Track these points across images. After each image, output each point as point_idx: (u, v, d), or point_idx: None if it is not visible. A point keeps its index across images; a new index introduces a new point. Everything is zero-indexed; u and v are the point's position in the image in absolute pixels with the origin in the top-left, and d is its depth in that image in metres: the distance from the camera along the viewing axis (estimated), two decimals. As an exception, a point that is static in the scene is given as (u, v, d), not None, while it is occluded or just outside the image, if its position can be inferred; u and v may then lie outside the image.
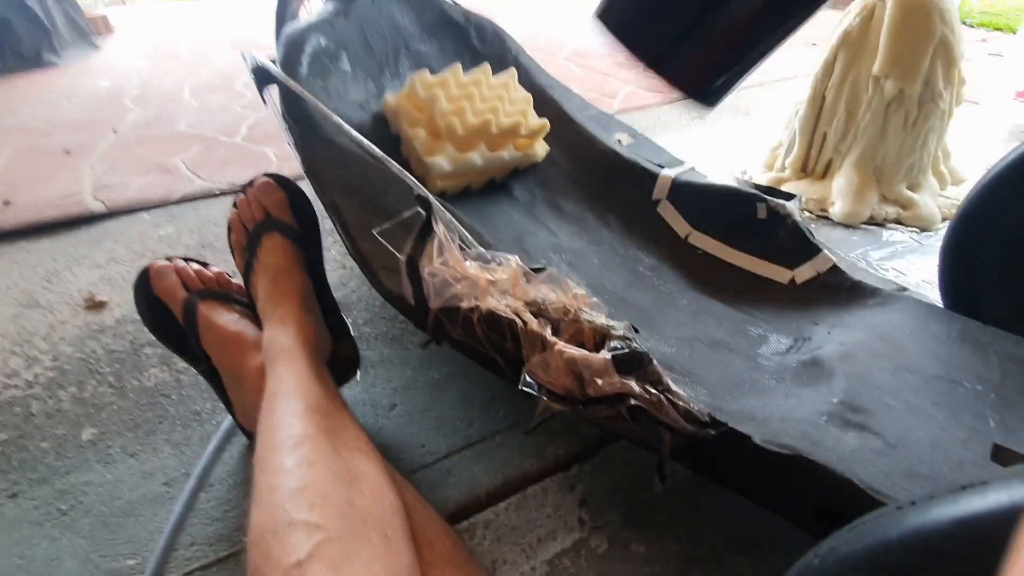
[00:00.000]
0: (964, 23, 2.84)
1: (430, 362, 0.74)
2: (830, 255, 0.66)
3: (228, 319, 0.58)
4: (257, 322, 0.58)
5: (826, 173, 1.08)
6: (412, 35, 0.80)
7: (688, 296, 0.68)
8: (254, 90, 0.69)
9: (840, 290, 0.64)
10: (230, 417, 0.63)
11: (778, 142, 1.16)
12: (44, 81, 1.92)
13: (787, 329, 0.62)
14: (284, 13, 0.89)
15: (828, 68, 1.04)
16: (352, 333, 0.75)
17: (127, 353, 0.75)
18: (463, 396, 0.69)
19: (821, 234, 1.02)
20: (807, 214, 1.07)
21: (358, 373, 0.69)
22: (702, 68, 0.23)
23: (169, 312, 0.60)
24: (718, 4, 0.23)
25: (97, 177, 1.22)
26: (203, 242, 1.00)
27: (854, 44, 1.00)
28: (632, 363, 0.43)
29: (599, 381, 0.42)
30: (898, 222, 1.03)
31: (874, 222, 1.03)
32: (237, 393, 0.58)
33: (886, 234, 1.00)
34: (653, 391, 0.43)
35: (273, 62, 0.68)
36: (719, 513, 0.56)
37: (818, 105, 1.06)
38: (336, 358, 0.60)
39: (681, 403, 0.43)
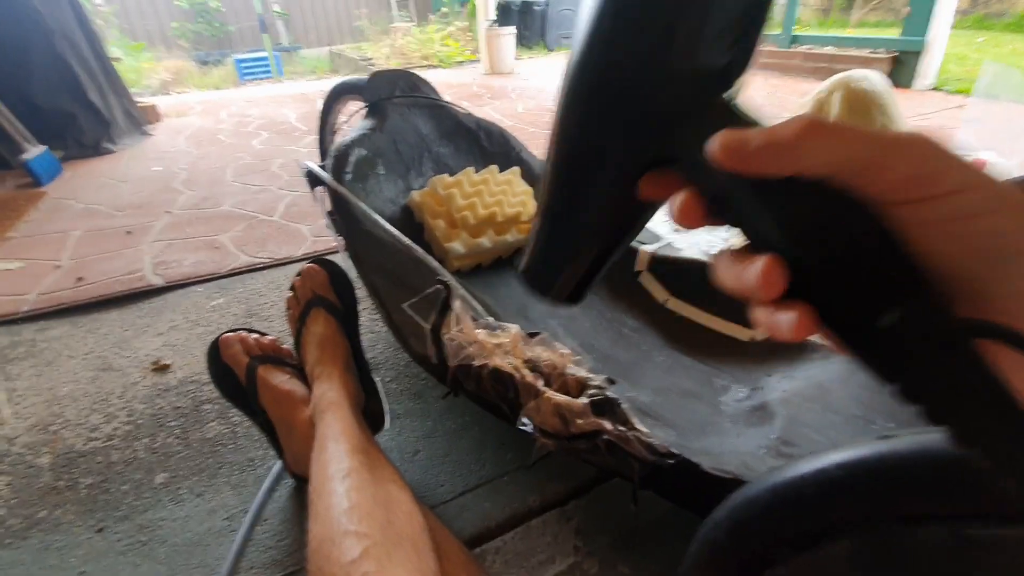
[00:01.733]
0: (941, 90, 3.05)
1: (448, 414, 0.86)
2: (782, 317, 0.78)
3: (282, 379, 0.71)
4: (305, 382, 0.72)
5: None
6: (433, 140, 0.98)
7: (664, 353, 0.80)
8: (289, 172, 0.86)
9: (791, 347, 0.76)
10: (280, 462, 0.75)
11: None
12: (104, 167, 2.16)
13: (746, 380, 0.73)
14: (326, 121, 1.08)
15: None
16: (381, 390, 0.88)
17: (190, 409, 0.88)
18: (477, 443, 0.80)
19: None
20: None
21: (386, 423, 0.81)
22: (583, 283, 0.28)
23: (234, 375, 0.73)
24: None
25: (155, 254, 1.40)
26: (249, 311, 1.15)
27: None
28: (605, 407, 0.55)
29: (579, 421, 0.54)
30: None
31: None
32: (288, 442, 0.70)
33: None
34: (623, 428, 0.55)
35: (322, 167, 0.85)
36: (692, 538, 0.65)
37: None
38: (367, 412, 0.72)
39: (645, 438, 0.54)
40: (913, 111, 2.55)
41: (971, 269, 0.17)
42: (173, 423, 0.86)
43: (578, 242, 0.27)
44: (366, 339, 1.03)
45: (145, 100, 2.98)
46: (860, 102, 1.10)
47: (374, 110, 0.93)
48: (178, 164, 2.15)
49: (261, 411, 0.71)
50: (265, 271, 1.30)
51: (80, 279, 1.29)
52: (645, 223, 0.27)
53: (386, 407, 0.85)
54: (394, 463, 0.78)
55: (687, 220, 0.23)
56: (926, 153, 0.17)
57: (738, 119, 0.21)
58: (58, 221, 1.65)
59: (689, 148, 0.22)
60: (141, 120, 2.67)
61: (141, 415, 0.88)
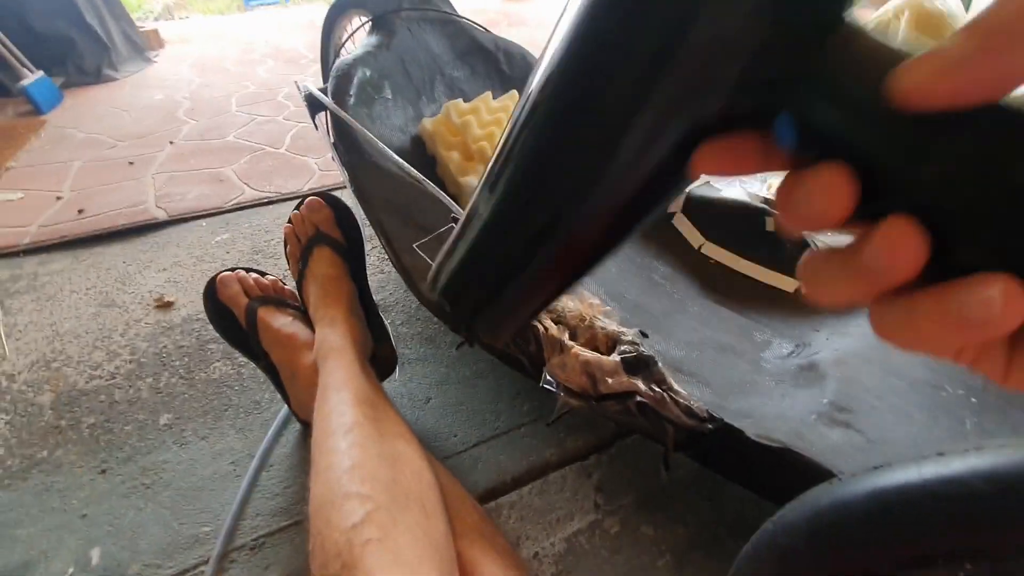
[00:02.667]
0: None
1: (462, 360, 0.81)
2: (833, 266, 0.70)
3: (284, 322, 0.66)
4: (309, 324, 0.67)
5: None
6: (446, 62, 0.87)
7: (699, 303, 0.73)
8: (296, 102, 0.78)
9: (842, 299, 0.68)
10: (286, 407, 0.71)
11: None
12: (105, 95, 2.07)
13: (790, 335, 0.67)
14: (329, 40, 0.97)
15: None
16: (390, 334, 0.83)
17: (194, 349, 0.85)
18: (492, 392, 0.76)
19: (837, 239, 1.05)
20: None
21: (396, 370, 0.77)
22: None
23: (233, 316, 0.68)
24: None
25: (158, 187, 1.34)
26: (255, 248, 1.09)
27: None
28: (639, 365, 0.49)
29: (610, 380, 0.49)
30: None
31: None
32: (293, 387, 0.66)
33: (901, 243, 1.03)
34: (657, 389, 0.49)
35: (322, 90, 0.76)
36: (722, 502, 0.61)
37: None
38: (376, 357, 0.68)
39: (682, 400, 0.49)
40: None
41: None
42: (177, 363, 0.82)
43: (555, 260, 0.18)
44: (375, 280, 0.98)
45: (147, 25, 2.83)
46: (931, 25, 0.96)
47: (380, 24, 0.83)
48: (181, 93, 2.05)
49: (263, 354, 0.67)
50: (271, 206, 1.24)
51: (82, 211, 1.24)
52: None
53: (396, 352, 0.81)
54: (404, 412, 0.74)
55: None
56: None
57: (874, 44, 0.14)
58: (59, 151, 1.58)
59: (801, 93, 0.14)
60: (143, 46, 2.54)
61: (144, 353, 0.85)
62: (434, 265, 0.19)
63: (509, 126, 0.18)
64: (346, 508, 0.43)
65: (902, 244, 0.13)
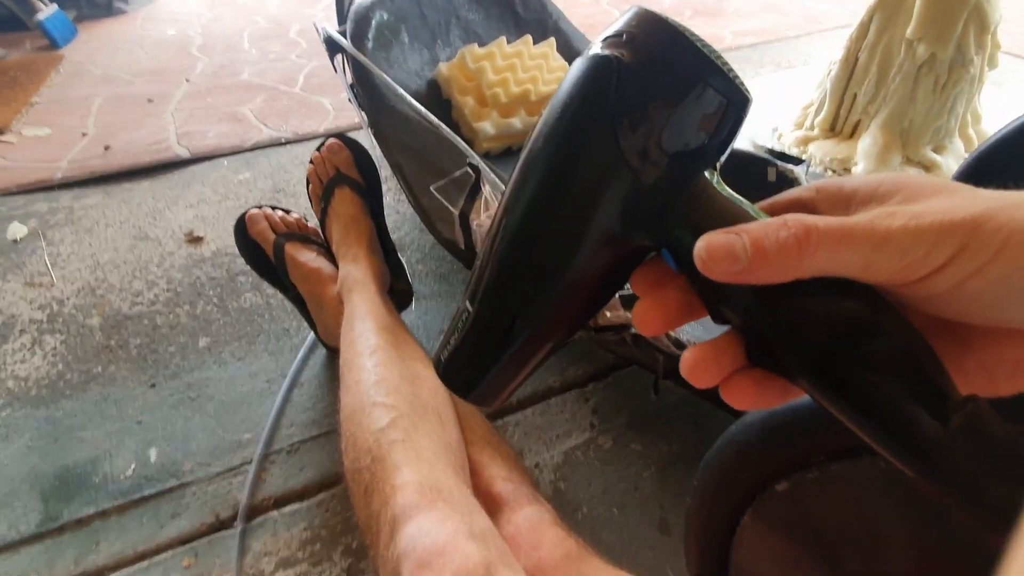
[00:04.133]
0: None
1: (472, 297, 0.87)
2: (827, 216, 0.74)
3: (309, 257, 0.72)
4: (332, 259, 0.72)
5: (853, 133, 1.12)
6: (461, 4, 0.88)
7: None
8: (308, 38, 0.80)
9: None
10: (312, 334, 0.78)
11: (810, 101, 1.20)
12: (118, 29, 2.06)
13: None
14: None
15: (863, 29, 1.06)
16: (407, 271, 0.89)
17: (225, 280, 0.91)
18: (499, 326, 0.82)
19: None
20: (830, 173, 1.12)
21: (412, 304, 0.83)
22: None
23: (262, 251, 0.74)
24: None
25: (179, 125, 1.37)
26: (276, 187, 1.14)
27: (890, 6, 1.02)
28: (635, 300, 0.55)
29: (608, 314, 0.54)
30: (917, 184, 1.07)
31: (893, 183, 1.08)
32: (319, 316, 0.73)
33: (903, 195, 1.05)
34: (649, 323, 0.54)
35: (341, 33, 0.79)
36: (707, 425, 0.68)
37: (851, 65, 1.09)
38: (393, 292, 0.74)
39: (672, 333, 0.54)
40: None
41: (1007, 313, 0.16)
42: (210, 292, 0.89)
43: (525, 342, 0.22)
44: (391, 220, 1.02)
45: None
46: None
47: (398, -35, 0.83)
48: (192, 27, 2.03)
49: (291, 286, 0.73)
50: (289, 146, 1.27)
51: (108, 148, 1.28)
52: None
53: (412, 288, 0.87)
54: (420, 341, 0.81)
55: (658, 323, 0.21)
56: (932, 234, 0.16)
57: (720, 207, 0.18)
58: (79, 86, 1.61)
59: (672, 237, 0.19)
60: (151, -25, 2.49)
61: (180, 283, 0.91)
62: (435, 354, 0.23)
63: (482, 254, 0.22)
64: (375, 414, 0.50)
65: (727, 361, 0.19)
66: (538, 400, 0.72)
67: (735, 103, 0.18)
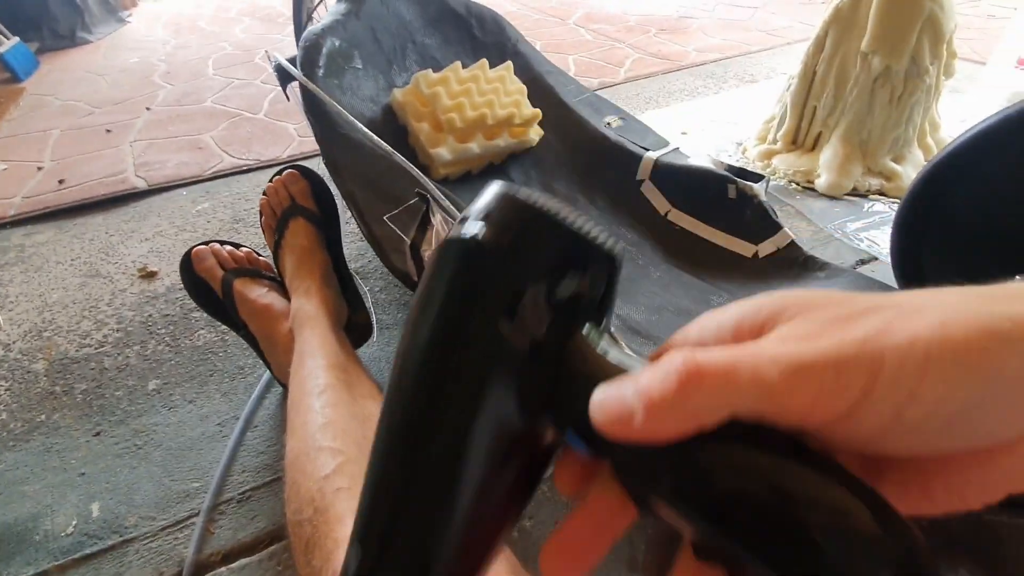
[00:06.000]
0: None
1: (436, 326, 0.84)
2: (789, 232, 0.73)
3: (259, 293, 0.69)
4: (284, 294, 0.69)
5: (815, 146, 1.13)
6: (417, 29, 0.87)
7: (662, 268, 0.77)
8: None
9: (795, 264, 0.72)
10: (268, 371, 0.75)
11: (771, 115, 1.21)
12: (81, 59, 2.03)
13: (744, 298, 0.70)
14: (300, 13, 0.96)
15: (819, 43, 1.07)
16: (370, 300, 0.86)
17: (179, 317, 0.88)
18: (464, 355, 0.80)
19: (805, 205, 1.08)
20: (794, 185, 1.12)
21: (374, 334, 0.81)
22: None
23: (211, 288, 0.71)
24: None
25: (137, 155, 1.34)
26: (236, 217, 1.11)
27: (845, 20, 1.03)
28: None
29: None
30: (881, 193, 1.08)
31: (857, 193, 1.08)
32: (272, 354, 0.69)
33: (867, 205, 1.06)
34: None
35: (292, 59, 0.77)
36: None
37: (809, 80, 1.10)
38: (353, 324, 0.71)
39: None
40: (965, -4, 2.28)
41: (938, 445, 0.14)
42: (163, 331, 0.86)
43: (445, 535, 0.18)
44: (355, 247, 1.00)
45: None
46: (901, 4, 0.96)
47: (349, -9, 0.82)
48: (156, 55, 2.01)
49: (242, 323, 0.70)
50: (250, 173, 1.25)
51: (62, 181, 1.24)
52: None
53: (373, 318, 0.84)
54: (381, 375, 0.78)
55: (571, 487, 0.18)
56: (831, 371, 0.13)
57: (607, 364, 0.16)
58: (38, 119, 1.57)
59: (568, 411, 0.17)
60: (116, 6, 2.47)
61: (131, 322, 0.88)
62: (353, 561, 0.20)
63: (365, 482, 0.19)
64: (320, 460, 0.47)
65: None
66: (503, 432, 0.70)
67: (603, 267, 0.18)
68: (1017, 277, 0.53)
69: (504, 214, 0.17)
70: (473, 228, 0.17)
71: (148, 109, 1.58)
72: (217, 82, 1.74)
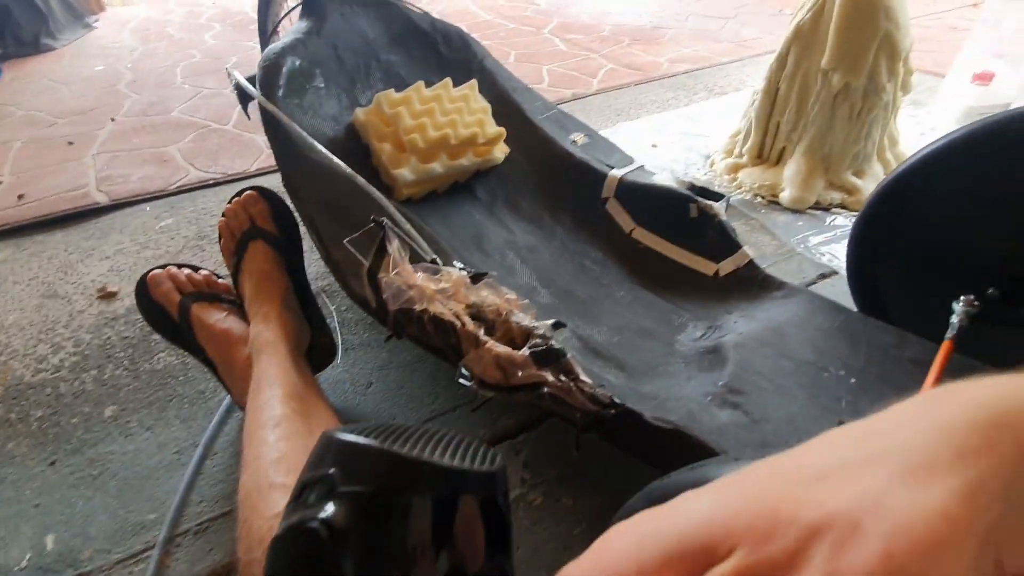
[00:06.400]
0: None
1: (403, 345, 0.84)
2: (748, 252, 0.74)
3: (218, 317, 0.68)
4: (244, 317, 0.68)
5: (780, 160, 1.15)
6: (381, 46, 0.87)
7: (626, 287, 0.77)
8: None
9: (753, 283, 0.73)
10: (229, 396, 0.74)
11: (737, 129, 1.23)
12: (44, 67, 1.97)
13: (705, 317, 0.71)
14: (266, 27, 0.95)
15: (781, 60, 1.09)
16: (336, 320, 0.86)
17: (138, 339, 0.86)
18: (430, 375, 0.79)
19: (770, 219, 1.10)
20: (760, 199, 1.14)
21: (338, 356, 0.80)
22: None
23: (168, 313, 0.70)
24: None
25: (99, 168, 1.31)
26: (201, 233, 1.09)
27: (805, 38, 1.05)
28: (549, 357, 0.53)
29: (520, 373, 0.52)
30: (843, 207, 1.10)
31: (820, 207, 1.11)
32: (230, 380, 0.68)
33: (830, 219, 1.08)
34: (565, 380, 0.53)
35: (251, 80, 0.76)
36: (635, 473, 0.66)
37: (772, 96, 1.12)
38: (315, 347, 0.70)
39: (587, 389, 0.53)
40: (924, 9, 2.35)
41: None
42: (121, 354, 0.84)
43: None
44: (321, 266, 0.99)
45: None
46: (865, 5, 0.99)
47: (310, 8, 0.81)
48: (123, 63, 1.97)
49: (201, 349, 0.69)
50: (217, 187, 1.23)
51: (22, 196, 1.21)
52: None
53: (338, 339, 0.84)
54: (346, 397, 0.77)
55: None
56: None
57: None
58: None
59: None
60: (82, 11, 2.41)
61: (88, 345, 0.86)
62: None
63: None
64: (272, 498, 0.46)
65: None
66: (468, 455, 0.69)
67: (473, 488, 0.17)
68: (961, 298, 0.54)
69: (350, 468, 0.16)
70: (313, 507, 0.16)
71: (112, 120, 1.55)
72: (185, 91, 1.71)
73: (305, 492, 0.17)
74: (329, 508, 0.16)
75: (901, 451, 0.15)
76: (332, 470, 0.17)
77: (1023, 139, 0.57)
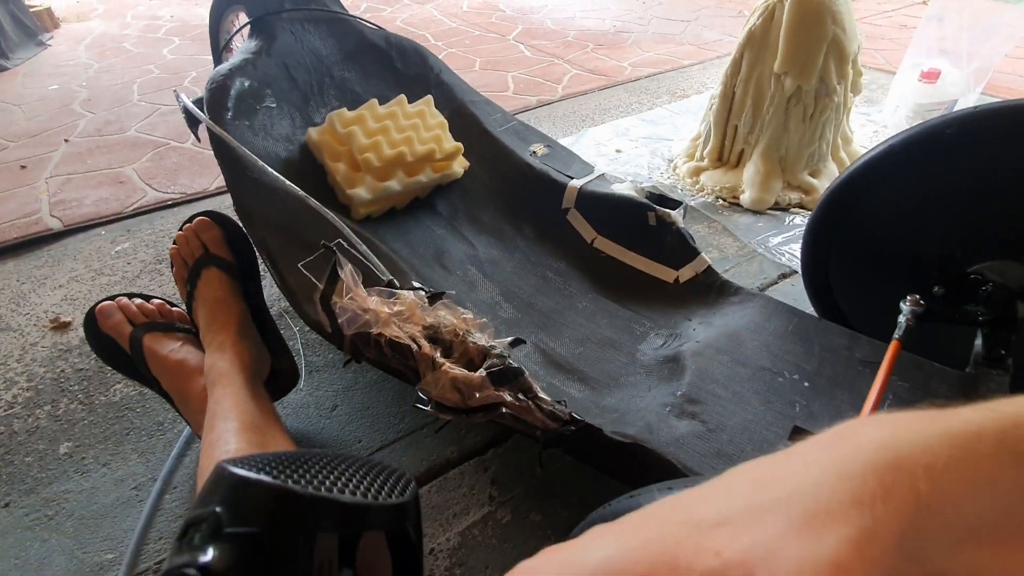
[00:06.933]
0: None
1: (367, 366, 0.83)
2: (706, 258, 0.75)
3: (171, 348, 0.66)
4: (200, 347, 0.67)
5: (739, 162, 1.17)
6: (335, 63, 0.86)
7: (588, 298, 0.78)
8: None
9: (712, 289, 0.74)
10: (189, 427, 0.72)
11: (697, 133, 1.24)
12: (-8, 87, 1.91)
13: (666, 325, 0.72)
14: (218, 44, 0.94)
15: (736, 65, 1.11)
16: (299, 341, 0.84)
17: (93, 371, 0.83)
18: (396, 395, 0.79)
19: (732, 220, 1.11)
20: (721, 201, 1.16)
21: (301, 380, 0.79)
22: None
23: (119, 346, 0.68)
24: None
25: (53, 192, 1.27)
26: (159, 256, 1.06)
27: (758, 43, 1.07)
28: (506, 377, 0.53)
29: (477, 395, 0.52)
30: (801, 206, 1.13)
31: (779, 207, 1.13)
32: (186, 412, 0.67)
33: (789, 219, 1.11)
34: (523, 398, 0.53)
35: (198, 103, 0.74)
36: (603, 485, 0.67)
37: (729, 100, 1.14)
38: (277, 373, 0.69)
39: (546, 407, 0.53)
40: (873, 8, 2.42)
41: None
42: (76, 387, 0.81)
43: None
44: (285, 286, 0.97)
45: (39, 3, 2.58)
46: (812, 10, 1.01)
47: (259, 28, 0.80)
48: (78, 80, 1.91)
49: (155, 381, 0.67)
50: (176, 208, 1.20)
51: (-32, 224, 1.16)
52: None
53: (302, 362, 0.82)
54: (310, 421, 0.76)
55: None
56: None
57: None
58: (-59, 154, 1.47)
59: None
60: (35, 29, 2.33)
61: (42, 379, 0.83)
62: None
63: None
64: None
65: None
66: (435, 475, 0.69)
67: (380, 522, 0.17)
68: (907, 298, 0.55)
69: (235, 510, 0.15)
70: (196, 550, 0.15)
71: (66, 141, 1.50)
72: (142, 108, 1.67)
73: (190, 531, 0.16)
74: (209, 553, 0.15)
75: (798, 497, 0.15)
76: (219, 508, 0.15)
77: (957, 142, 0.58)
